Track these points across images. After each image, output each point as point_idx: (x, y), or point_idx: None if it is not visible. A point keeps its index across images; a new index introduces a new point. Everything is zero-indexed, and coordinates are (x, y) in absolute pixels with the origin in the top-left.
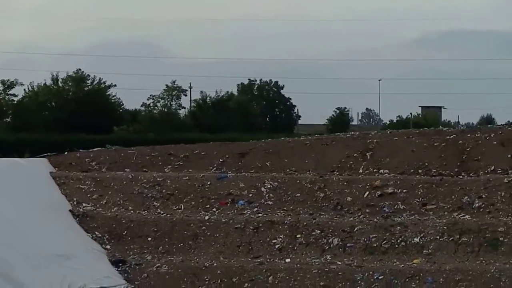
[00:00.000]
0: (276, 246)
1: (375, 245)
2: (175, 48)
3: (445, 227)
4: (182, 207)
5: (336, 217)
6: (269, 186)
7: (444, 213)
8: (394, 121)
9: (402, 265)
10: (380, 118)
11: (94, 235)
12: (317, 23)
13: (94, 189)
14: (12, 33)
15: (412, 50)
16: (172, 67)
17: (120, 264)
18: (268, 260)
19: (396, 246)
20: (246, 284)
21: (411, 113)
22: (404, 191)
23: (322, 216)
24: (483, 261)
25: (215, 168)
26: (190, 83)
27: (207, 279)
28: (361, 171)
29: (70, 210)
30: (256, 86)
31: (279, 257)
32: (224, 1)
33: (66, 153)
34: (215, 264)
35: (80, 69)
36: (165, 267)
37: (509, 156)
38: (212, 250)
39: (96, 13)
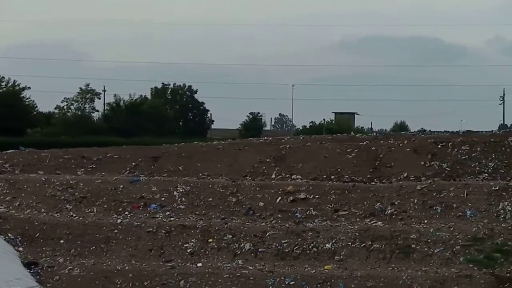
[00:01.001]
0: (188, 250)
1: (286, 250)
2: (90, 51)
3: (357, 234)
4: (95, 210)
5: (248, 222)
6: (181, 190)
7: (356, 219)
8: (307, 126)
9: (314, 270)
10: (293, 123)
11: (7, 237)
12: (233, 28)
13: (7, 191)
14: None
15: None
16: (86, 70)
17: (33, 266)
18: (180, 264)
19: (308, 251)
20: (157, 287)
21: (324, 119)
22: (317, 196)
23: (234, 221)
24: (395, 268)
25: (127, 172)
26: (104, 86)
27: (118, 282)
28: (273, 176)
29: None
30: (170, 90)
31: (190, 261)
32: (141, 5)
33: None
34: (127, 268)
35: None
36: (77, 269)
37: (422, 163)
38: (124, 254)
39: (12, 15)
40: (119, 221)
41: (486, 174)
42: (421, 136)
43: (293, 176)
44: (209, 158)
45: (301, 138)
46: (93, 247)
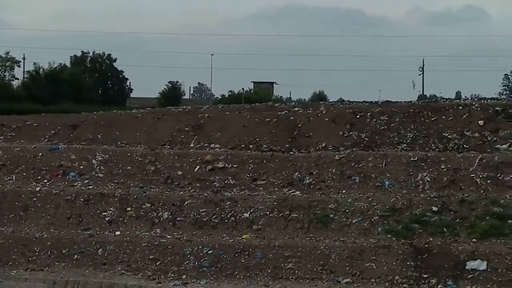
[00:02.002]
0: (106, 219)
1: (204, 219)
2: (9, 19)
3: (275, 203)
4: (14, 178)
5: (166, 191)
6: (100, 159)
7: (274, 189)
8: (226, 96)
9: (232, 240)
10: (212, 92)
11: None
12: None
13: None
14: None
15: (246, 25)
16: (6, 38)
17: None
18: (98, 232)
19: (226, 221)
20: (75, 256)
21: (243, 89)
22: (235, 166)
23: (152, 190)
24: (313, 238)
25: (46, 140)
26: (24, 54)
27: (37, 250)
28: (192, 145)
29: None
30: (89, 58)
31: (109, 230)
32: None
33: None
34: (45, 235)
35: None
36: None
37: (341, 133)
38: (42, 222)
39: None
40: (37, 189)
41: (405, 145)
42: (340, 106)
43: (212, 145)
44: (128, 126)
45: (220, 107)
46: (12, 215)
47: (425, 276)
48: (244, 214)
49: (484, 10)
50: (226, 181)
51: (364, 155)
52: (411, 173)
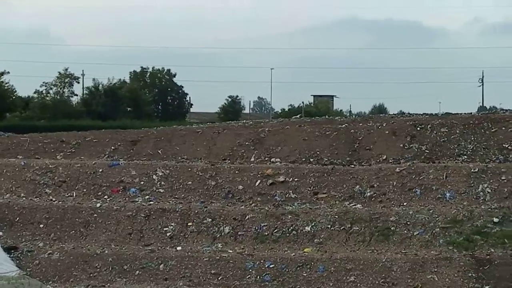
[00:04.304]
0: (167, 234)
1: (266, 233)
2: (69, 36)
3: (336, 216)
4: (74, 194)
5: (227, 205)
6: (160, 174)
7: (335, 202)
8: (286, 109)
9: (293, 253)
10: (272, 106)
11: None
12: (211, 12)
13: None
14: None
15: (305, 39)
16: (66, 54)
17: (12, 251)
18: (159, 248)
19: (287, 234)
20: (137, 271)
21: (303, 102)
22: (296, 179)
23: (213, 204)
24: (375, 250)
25: (106, 156)
26: (83, 70)
27: (98, 266)
28: (252, 159)
29: None
30: (149, 73)
31: (170, 245)
32: None
33: None
34: (106, 252)
35: None
36: (57, 254)
37: (401, 145)
38: (103, 237)
39: None
40: (98, 205)
41: (465, 156)
42: (400, 118)
43: (272, 159)
44: (187, 141)
45: (280, 121)
46: (73, 231)
47: (487, 287)
48: (306, 228)
49: None
50: (287, 194)
51: (424, 167)
52: (472, 185)
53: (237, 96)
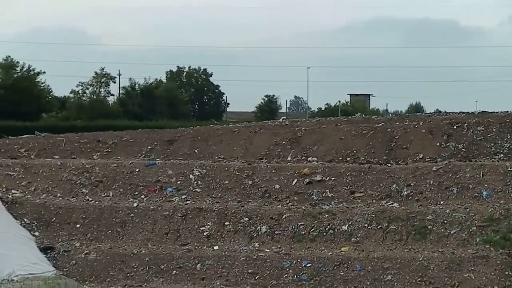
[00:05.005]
0: (204, 234)
1: (303, 232)
2: (105, 36)
3: (373, 215)
4: (111, 194)
5: (264, 205)
6: (197, 173)
7: (372, 201)
8: (323, 108)
9: (330, 252)
10: (308, 105)
11: (22, 222)
12: (246, 11)
13: (23, 176)
14: None
15: (341, 38)
16: (102, 54)
17: (49, 251)
18: (196, 247)
19: (324, 233)
20: (174, 271)
21: (339, 101)
22: (333, 178)
23: (250, 204)
24: (412, 249)
25: (143, 155)
26: (119, 70)
27: (135, 266)
28: (289, 158)
29: None
30: (185, 73)
31: (207, 245)
32: None
33: None
34: (143, 251)
35: (9, 56)
36: (94, 254)
37: (438, 144)
38: (140, 237)
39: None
40: (135, 204)
41: (502, 155)
42: (437, 117)
43: (309, 158)
44: (224, 140)
45: (316, 120)
46: (109, 231)
47: None
48: (343, 227)
49: None
50: (324, 194)
51: (461, 166)
52: (509, 183)
53: (273, 96)
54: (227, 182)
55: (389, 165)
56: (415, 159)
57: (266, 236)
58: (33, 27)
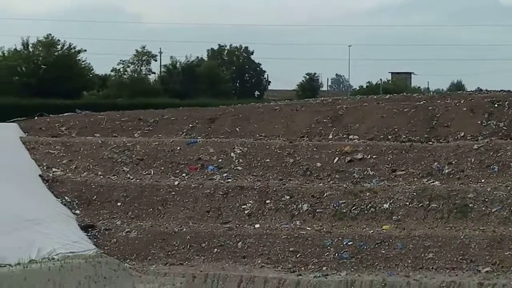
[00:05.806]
0: (246, 212)
1: (344, 210)
2: (145, 13)
3: (414, 193)
4: (152, 172)
5: (305, 183)
6: (238, 152)
7: (413, 179)
8: (364, 87)
9: (372, 231)
10: (349, 84)
11: (63, 200)
12: None
13: (64, 154)
14: None
15: (382, 16)
16: (143, 32)
17: (90, 229)
18: (237, 225)
19: (366, 212)
20: (215, 249)
21: (381, 79)
22: (374, 157)
23: (291, 182)
24: (453, 227)
25: (184, 134)
26: (160, 48)
27: (176, 244)
28: (330, 136)
29: (40, 175)
30: (226, 51)
31: (248, 223)
32: None
33: (36, 118)
34: (184, 229)
35: (50, 34)
36: (135, 232)
37: (479, 122)
38: (181, 215)
39: None
40: (176, 183)
41: None
42: (478, 95)
43: (350, 137)
44: (265, 119)
45: (357, 98)
46: (150, 209)
47: None
48: (384, 205)
49: None
50: (365, 172)
51: (502, 144)
52: None
53: (315, 74)
54: (268, 160)
55: (430, 143)
56: (456, 137)
57: (308, 214)
58: (72, 5)
